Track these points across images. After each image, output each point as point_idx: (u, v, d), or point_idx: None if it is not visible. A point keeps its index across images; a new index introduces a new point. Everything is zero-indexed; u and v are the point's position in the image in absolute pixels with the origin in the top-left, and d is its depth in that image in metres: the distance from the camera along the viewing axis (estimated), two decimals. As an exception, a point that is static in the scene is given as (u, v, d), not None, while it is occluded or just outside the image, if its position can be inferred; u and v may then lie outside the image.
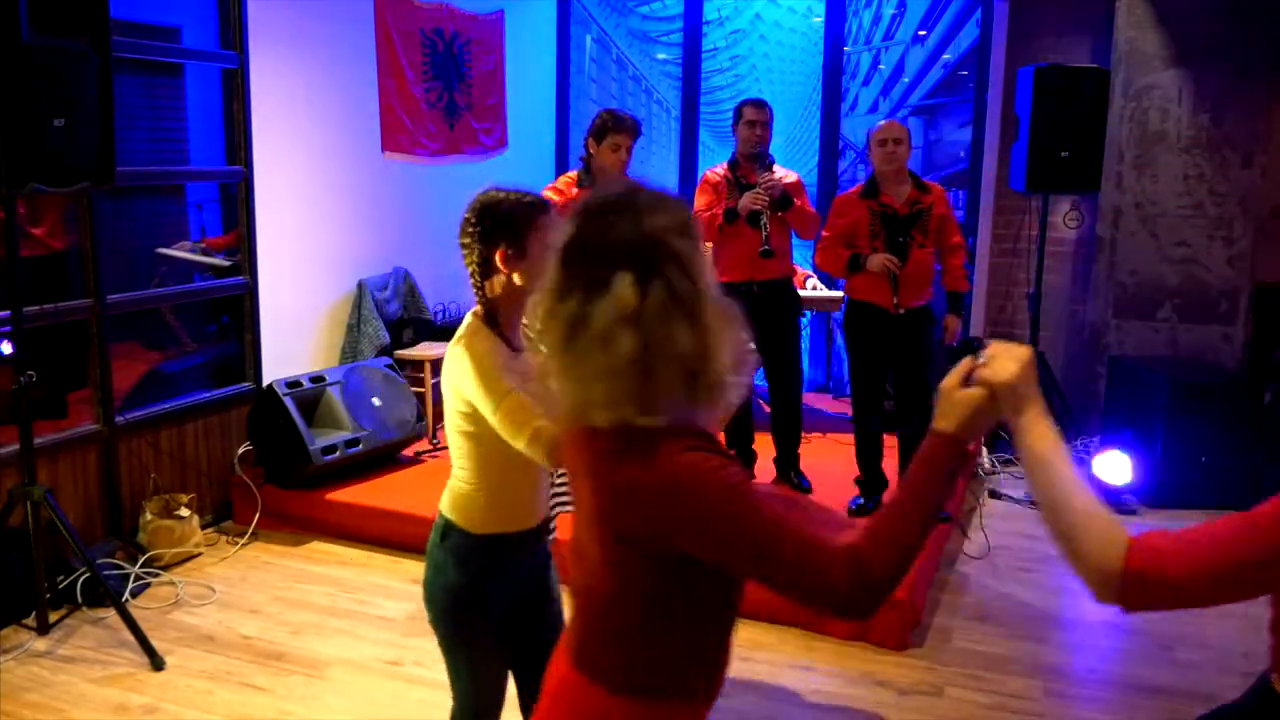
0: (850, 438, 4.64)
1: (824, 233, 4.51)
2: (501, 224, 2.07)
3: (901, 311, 4.31)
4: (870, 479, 4.50)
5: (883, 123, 4.42)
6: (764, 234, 4.39)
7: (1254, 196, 5.47)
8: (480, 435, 2.09)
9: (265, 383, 4.77)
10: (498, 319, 2.13)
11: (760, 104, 4.57)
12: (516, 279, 2.07)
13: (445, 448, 5.20)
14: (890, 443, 4.46)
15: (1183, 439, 4.88)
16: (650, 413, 1.31)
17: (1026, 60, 5.70)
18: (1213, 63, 5.40)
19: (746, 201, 4.41)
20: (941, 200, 4.45)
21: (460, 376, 2.05)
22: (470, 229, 2.09)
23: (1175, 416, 4.91)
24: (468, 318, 2.16)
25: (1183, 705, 3.29)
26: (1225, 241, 5.53)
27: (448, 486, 2.20)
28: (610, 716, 1.40)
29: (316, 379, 4.82)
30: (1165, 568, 1.24)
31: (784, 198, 4.47)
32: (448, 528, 2.16)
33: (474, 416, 2.07)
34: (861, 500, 4.48)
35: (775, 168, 4.56)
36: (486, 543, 2.14)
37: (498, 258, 2.07)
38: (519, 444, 1.97)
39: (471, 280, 2.13)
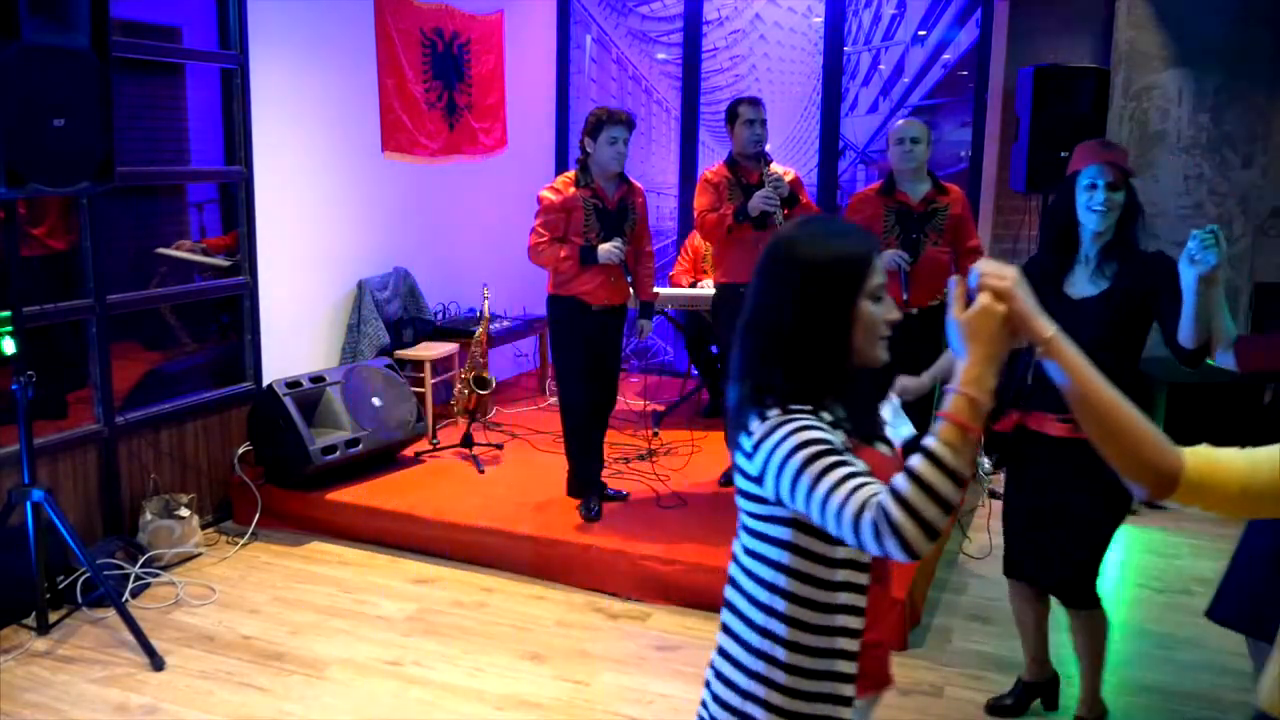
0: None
1: None
2: None
3: (913, 310, 4.31)
4: None
5: (901, 121, 4.41)
6: None
7: (1254, 196, 5.47)
8: None
9: (265, 383, 4.77)
10: None
11: (756, 102, 4.57)
12: None
13: (446, 447, 5.25)
14: None
15: (1183, 439, 4.87)
16: None
17: (1026, 60, 5.69)
18: (1213, 63, 5.40)
19: (758, 202, 4.38)
20: (959, 202, 4.44)
21: None
22: None
23: (1175, 416, 4.92)
24: None
25: (1183, 705, 3.29)
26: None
27: None
28: None
29: (316, 379, 4.82)
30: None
31: (791, 194, 4.48)
32: None
33: None
34: None
35: (773, 165, 4.56)
36: None
37: None
38: None
39: None
